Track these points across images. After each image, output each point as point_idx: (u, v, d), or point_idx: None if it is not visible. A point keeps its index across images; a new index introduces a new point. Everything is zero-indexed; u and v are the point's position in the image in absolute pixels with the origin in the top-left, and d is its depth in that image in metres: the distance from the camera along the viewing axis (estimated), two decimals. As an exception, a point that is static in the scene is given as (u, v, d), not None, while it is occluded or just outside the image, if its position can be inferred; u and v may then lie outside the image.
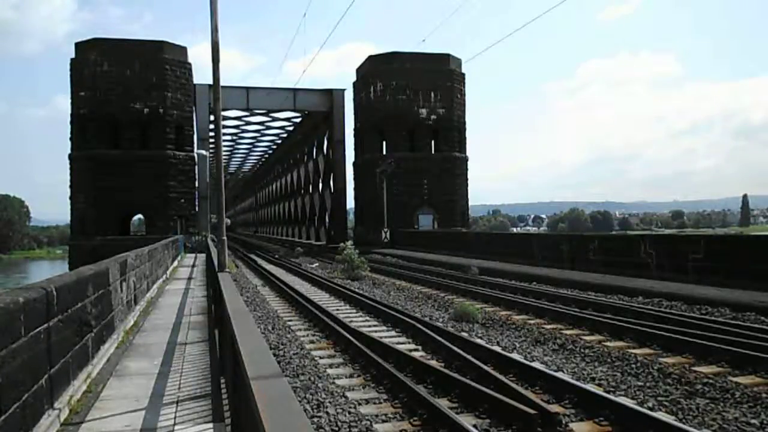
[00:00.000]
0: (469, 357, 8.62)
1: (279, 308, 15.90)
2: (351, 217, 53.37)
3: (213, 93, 13.65)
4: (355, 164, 48.67)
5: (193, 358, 7.49)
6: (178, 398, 5.70)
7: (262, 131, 62.21)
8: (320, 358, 9.72)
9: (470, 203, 48.74)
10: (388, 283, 21.68)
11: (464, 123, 47.33)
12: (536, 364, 8.51)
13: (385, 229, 41.00)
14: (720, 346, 8.91)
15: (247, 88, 48.08)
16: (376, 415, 6.71)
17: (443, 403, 6.72)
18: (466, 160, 47.15)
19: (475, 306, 13.93)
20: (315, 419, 6.51)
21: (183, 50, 43.57)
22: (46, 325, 4.66)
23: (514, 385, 7.15)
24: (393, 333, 11.80)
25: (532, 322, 12.52)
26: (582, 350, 9.69)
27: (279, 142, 69.63)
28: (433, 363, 8.79)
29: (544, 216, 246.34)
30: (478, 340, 10.50)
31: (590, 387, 7.31)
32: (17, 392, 3.98)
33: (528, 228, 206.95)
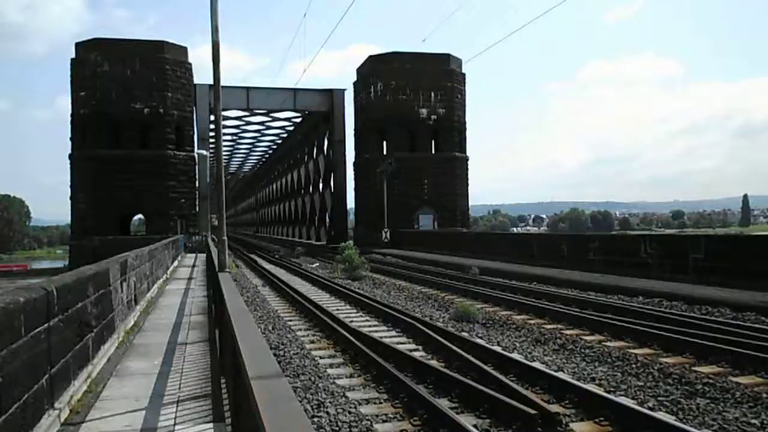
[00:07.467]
0: (469, 357, 8.62)
1: (279, 308, 15.90)
2: (351, 217, 53.35)
3: (213, 93, 13.66)
4: (355, 164, 48.63)
5: (193, 358, 7.49)
6: (178, 398, 5.70)
7: (262, 131, 62.25)
8: (321, 358, 9.71)
9: (470, 203, 48.71)
10: (388, 283, 21.68)
11: (464, 123, 47.31)
12: (537, 364, 8.51)
13: (386, 229, 40.97)
14: (720, 346, 8.91)
15: (248, 88, 48.07)
16: (377, 415, 6.71)
17: (443, 403, 6.72)
18: (466, 160, 47.13)
19: (476, 306, 13.93)
20: (315, 419, 6.51)
21: (183, 50, 43.56)
22: (46, 325, 4.66)
23: (514, 385, 7.14)
24: (393, 333, 11.79)
25: (532, 322, 12.51)
26: (582, 350, 9.69)
27: (279, 142, 69.65)
28: (434, 363, 8.79)
29: (544, 216, 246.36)
30: (479, 340, 10.49)
31: (591, 387, 7.30)
32: (18, 392, 3.98)
33: (528, 228, 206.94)
